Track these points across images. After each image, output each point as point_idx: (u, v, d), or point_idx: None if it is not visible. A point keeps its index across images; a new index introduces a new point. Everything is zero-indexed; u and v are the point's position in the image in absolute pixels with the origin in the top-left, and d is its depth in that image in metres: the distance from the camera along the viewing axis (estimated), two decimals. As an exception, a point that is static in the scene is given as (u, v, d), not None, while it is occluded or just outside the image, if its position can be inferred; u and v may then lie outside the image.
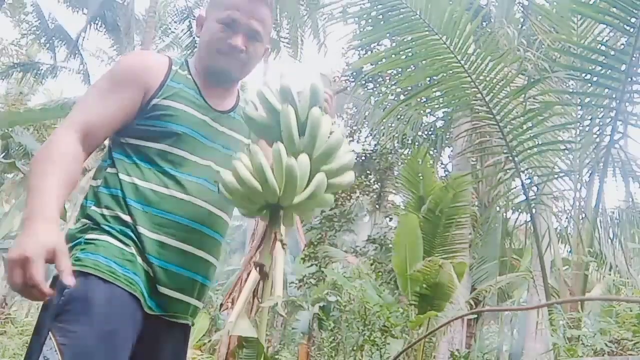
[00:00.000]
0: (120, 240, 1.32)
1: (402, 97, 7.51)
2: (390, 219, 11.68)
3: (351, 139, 11.93)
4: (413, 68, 5.37)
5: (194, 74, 1.50)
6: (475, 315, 7.60)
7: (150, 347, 1.37)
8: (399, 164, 11.02)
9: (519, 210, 5.79)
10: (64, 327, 1.20)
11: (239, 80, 1.58)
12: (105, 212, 1.35)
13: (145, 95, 1.40)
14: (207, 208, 1.42)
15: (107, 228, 1.32)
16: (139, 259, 1.33)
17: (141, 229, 1.33)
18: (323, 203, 1.41)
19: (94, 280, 1.24)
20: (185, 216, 1.38)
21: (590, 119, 4.83)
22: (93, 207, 1.36)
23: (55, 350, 1.18)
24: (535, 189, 4.95)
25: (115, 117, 1.38)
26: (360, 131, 12.09)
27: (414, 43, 4.64)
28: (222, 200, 1.43)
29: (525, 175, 4.84)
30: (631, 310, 4.02)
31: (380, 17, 4.85)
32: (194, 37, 15.55)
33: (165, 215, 1.36)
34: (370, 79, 10.56)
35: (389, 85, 9.54)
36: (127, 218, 1.34)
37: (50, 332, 1.20)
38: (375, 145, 11.63)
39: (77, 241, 1.31)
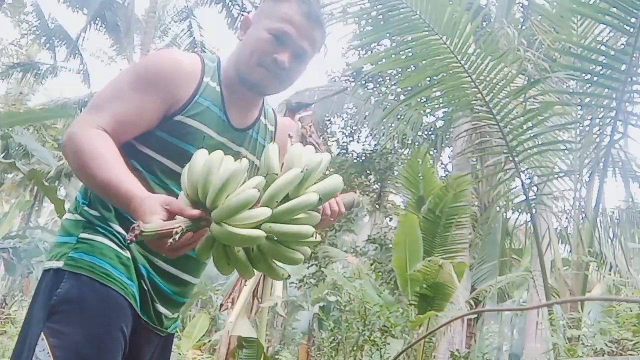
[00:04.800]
0: (116, 243, 1.28)
1: (402, 97, 7.51)
2: (390, 219, 11.68)
3: (351, 139, 11.95)
4: (413, 68, 5.37)
5: (223, 83, 1.40)
6: (475, 315, 7.60)
7: (140, 352, 1.35)
8: (399, 164, 11.00)
9: (519, 210, 5.80)
10: (56, 328, 1.19)
11: (269, 95, 1.49)
12: (98, 214, 1.30)
13: (171, 107, 1.31)
14: None
15: (101, 230, 1.28)
16: (133, 265, 1.30)
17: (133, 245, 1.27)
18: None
19: (88, 281, 1.22)
20: None
21: (590, 119, 4.83)
22: (86, 208, 1.31)
23: (48, 353, 1.16)
24: (535, 189, 4.95)
25: (139, 126, 1.30)
26: (360, 131, 12.08)
27: (414, 43, 4.64)
28: None
29: (525, 175, 4.85)
30: (631, 310, 4.02)
31: (380, 17, 4.86)
32: (194, 37, 15.56)
33: None
34: (370, 79, 10.56)
35: (389, 85, 9.56)
36: (118, 228, 1.28)
37: (42, 333, 1.18)
38: (375, 145, 11.61)
39: (70, 237, 1.29)
